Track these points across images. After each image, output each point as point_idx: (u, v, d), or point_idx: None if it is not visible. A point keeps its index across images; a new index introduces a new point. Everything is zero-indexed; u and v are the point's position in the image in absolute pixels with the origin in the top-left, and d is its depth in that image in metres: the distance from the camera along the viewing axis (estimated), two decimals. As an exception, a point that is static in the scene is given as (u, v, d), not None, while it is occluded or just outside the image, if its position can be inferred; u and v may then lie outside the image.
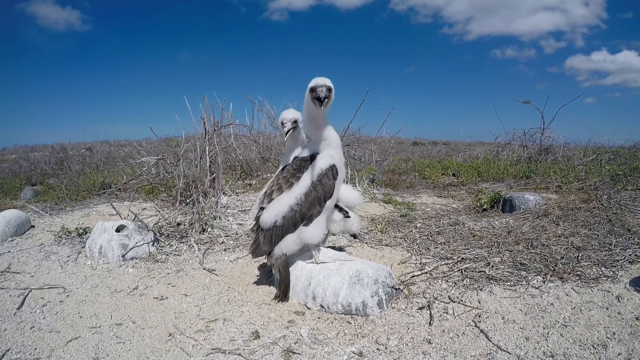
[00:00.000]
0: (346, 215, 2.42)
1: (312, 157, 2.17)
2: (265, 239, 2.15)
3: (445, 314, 2.03)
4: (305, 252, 2.34)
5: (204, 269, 2.74)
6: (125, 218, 3.49)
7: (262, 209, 2.18)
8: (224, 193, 4.26)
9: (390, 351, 1.77)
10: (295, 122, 2.25)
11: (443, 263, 2.64)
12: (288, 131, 2.22)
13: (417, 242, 3.11)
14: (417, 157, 9.26)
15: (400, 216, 3.90)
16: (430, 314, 2.02)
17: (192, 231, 3.39)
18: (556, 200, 3.97)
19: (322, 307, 2.11)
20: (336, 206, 2.39)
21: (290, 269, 2.29)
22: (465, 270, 2.48)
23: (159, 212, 3.87)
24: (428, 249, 2.94)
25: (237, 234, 3.43)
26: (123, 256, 2.89)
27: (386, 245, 3.09)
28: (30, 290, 2.44)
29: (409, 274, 2.52)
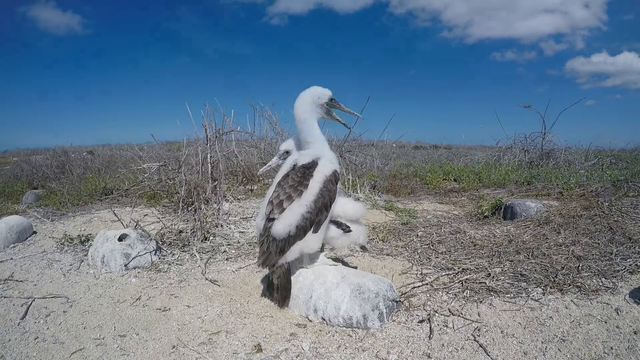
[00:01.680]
0: (346, 230, 2.37)
1: (314, 164, 2.22)
2: (277, 248, 2.15)
3: (445, 327, 2.05)
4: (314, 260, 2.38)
5: (207, 279, 2.75)
6: (127, 225, 3.51)
7: (271, 219, 2.16)
8: (225, 199, 4.28)
9: (390, 365, 1.79)
10: (287, 152, 2.45)
11: (444, 274, 2.65)
12: (270, 165, 2.54)
13: (418, 251, 3.12)
14: (418, 161, 9.26)
15: (401, 224, 3.91)
16: (430, 328, 2.03)
17: (194, 239, 3.41)
18: (557, 207, 3.98)
19: (324, 319, 2.13)
20: (334, 222, 2.37)
21: (292, 277, 2.32)
22: (465, 282, 2.49)
23: (160, 219, 3.89)
24: (429, 258, 2.96)
25: (238, 242, 3.45)
26: (126, 265, 2.90)
27: (387, 254, 3.11)
28: (34, 300, 2.45)
29: (409, 285, 2.53)
